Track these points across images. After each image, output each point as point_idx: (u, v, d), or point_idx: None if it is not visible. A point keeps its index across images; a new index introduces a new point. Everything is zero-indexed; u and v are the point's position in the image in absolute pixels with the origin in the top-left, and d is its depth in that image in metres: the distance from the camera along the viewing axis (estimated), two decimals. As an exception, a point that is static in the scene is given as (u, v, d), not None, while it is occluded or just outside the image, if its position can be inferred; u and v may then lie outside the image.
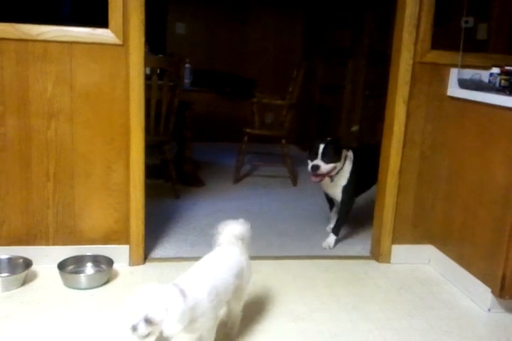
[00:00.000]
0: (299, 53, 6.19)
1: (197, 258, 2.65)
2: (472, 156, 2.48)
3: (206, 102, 5.25)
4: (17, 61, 2.30)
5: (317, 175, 2.82)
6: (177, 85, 3.66)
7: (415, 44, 2.57)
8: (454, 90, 2.61)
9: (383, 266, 2.77)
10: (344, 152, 2.91)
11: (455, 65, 2.59)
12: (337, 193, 2.99)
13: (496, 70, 2.43)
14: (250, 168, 4.77)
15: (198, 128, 4.34)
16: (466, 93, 2.51)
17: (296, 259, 2.78)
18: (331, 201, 3.22)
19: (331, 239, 2.99)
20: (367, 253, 2.91)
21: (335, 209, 3.20)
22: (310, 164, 2.82)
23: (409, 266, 2.76)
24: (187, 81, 4.39)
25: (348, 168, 2.93)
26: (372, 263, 2.80)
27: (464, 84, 2.55)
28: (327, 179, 2.92)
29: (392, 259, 2.79)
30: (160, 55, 4.26)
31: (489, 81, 2.46)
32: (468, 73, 2.58)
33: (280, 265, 2.67)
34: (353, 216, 3.55)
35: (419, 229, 2.78)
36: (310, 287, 2.46)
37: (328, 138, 2.88)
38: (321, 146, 2.80)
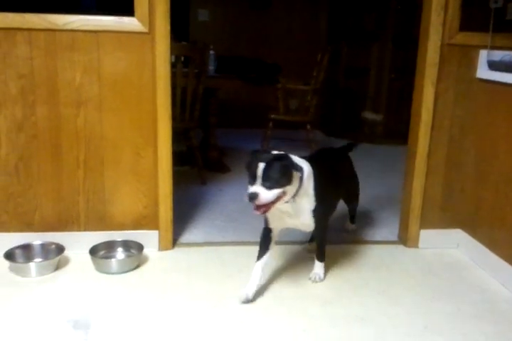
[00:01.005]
0: (323, 37, 6.13)
1: (224, 243, 2.72)
2: (503, 139, 2.43)
3: (230, 89, 5.24)
4: (46, 51, 2.34)
5: (259, 207, 1.95)
6: (202, 72, 3.67)
7: (443, 25, 2.52)
8: (483, 72, 2.56)
9: (411, 250, 2.76)
10: (295, 174, 1.99)
11: (484, 47, 2.54)
12: (305, 222, 2.17)
13: (526, 51, 2.38)
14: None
15: (222, 114, 4.35)
16: (496, 75, 2.46)
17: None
18: (268, 243, 2.22)
19: (320, 267, 2.38)
20: (394, 238, 2.90)
21: (265, 257, 2.20)
22: (247, 191, 1.94)
23: (438, 250, 2.75)
24: (211, 68, 4.40)
25: (310, 185, 2.10)
26: (400, 247, 2.79)
27: (493, 65, 2.50)
28: (285, 205, 2.06)
29: (420, 244, 2.78)
30: (184, 43, 4.27)
31: (520, 62, 2.41)
32: (498, 54, 2.52)
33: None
34: (379, 200, 3.54)
35: (448, 213, 2.76)
36: (337, 271, 2.47)
37: (273, 153, 2.01)
38: (261, 166, 1.91)
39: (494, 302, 2.23)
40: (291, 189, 1.99)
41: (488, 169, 2.55)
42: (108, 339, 1.87)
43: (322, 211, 2.20)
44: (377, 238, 2.92)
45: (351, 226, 3.02)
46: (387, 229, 3.03)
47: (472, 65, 2.60)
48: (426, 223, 2.76)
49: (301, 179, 2.01)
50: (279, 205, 2.02)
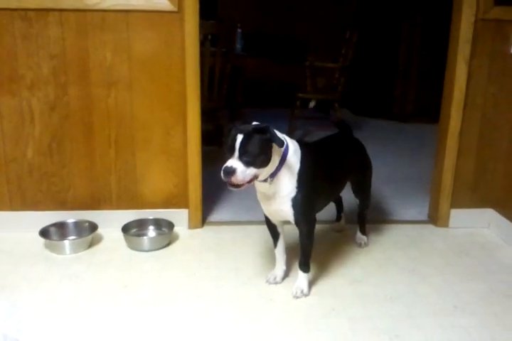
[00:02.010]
0: (352, 14, 6.02)
1: (252, 222, 2.74)
2: (537, 117, 2.38)
3: (258, 67, 5.22)
4: (76, 31, 2.36)
5: (232, 184, 1.76)
6: (229, 51, 3.65)
7: (477, 0, 2.45)
8: (518, 48, 2.49)
9: (441, 230, 2.74)
10: (276, 148, 1.80)
11: (521, 21, 2.47)
12: (283, 209, 1.93)
13: None
14: (303, 133, 4.75)
15: (249, 93, 4.34)
16: (532, 51, 2.39)
17: (350, 223, 2.79)
18: (274, 229, 2.13)
19: (303, 280, 2.06)
20: (424, 218, 2.88)
21: (281, 243, 2.15)
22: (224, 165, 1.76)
23: (469, 230, 2.72)
24: (238, 46, 4.38)
25: (293, 167, 1.88)
26: (430, 227, 2.78)
27: (529, 41, 2.43)
28: (263, 186, 1.89)
29: (451, 223, 2.75)
30: (211, 21, 4.24)
31: (558, 37, 2.33)
32: (535, 29, 2.45)
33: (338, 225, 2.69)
34: (409, 179, 3.50)
35: (479, 192, 2.72)
36: (366, 251, 2.47)
37: (253, 124, 1.80)
38: (240, 138, 1.73)
39: (526, 283, 2.21)
40: (267, 170, 1.80)
41: (522, 148, 2.50)
42: (139, 315, 1.91)
43: (305, 201, 1.92)
44: (407, 217, 2.90)
45: (363, 239, 2.52)
46: (417, 208, 3.00)
47: (507, 41, 2.53)
48: (456, 202, 2.73)
49: (283, 157, 1.84)
50: (256, 184, 1.88)
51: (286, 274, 2.19)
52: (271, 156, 1.79)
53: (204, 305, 1.98)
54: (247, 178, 1.74)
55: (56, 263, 2.30)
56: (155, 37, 2.40)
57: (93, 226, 2.50)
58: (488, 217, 2.74)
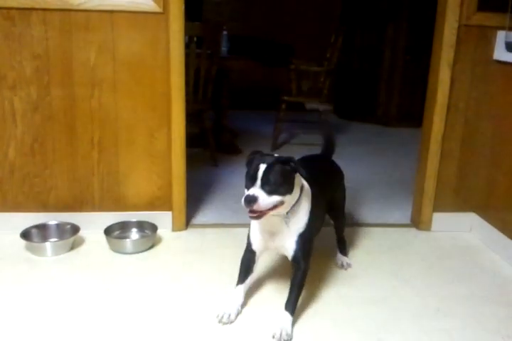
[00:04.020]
0: (336, 18, 6.05)
1: (236, 225, 2.73)
2: (519, 122, 2.41)
3: (243, 70, 5.20)
4: (60, 31, 2.34)
5: (254, 212, 1.72)
6: (215, 53, 3.65)
7: (461, 6, 2.48)
8: (500, 54, 2.52)
9: (424, 233, 2.76)
10: (299, 179, 1.83)
11: (502, 27, 2.49)
12: (285, 247, 1.90)
13: (546, 32, 2.33)
14: (288, 136, 4.76)
15: (234, 96, 4.34)
16: (514, 56, 2.43)
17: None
18: (249, 263, 1.98)
19: (288, 322, 1.83)
20: (407, 221, 2.90)
21: (248, 281, 2.00)
22: (245, 193, 1.72)
23: (451, 233, 2.74)
24: (224, 48, 4.37)
25: (305, 203, 1.88)
26: (413, 230, 2.80)
27: (511, 47, 2.46)
28: (276, 222, 1.84)
29: (433, 227, 2.77)
30: (197, 23, 4.24)
31: (539, 44, 2.37)
32: (517, 36, 2.48)
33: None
34: (392, 183, 3.53)
35: (461, 196, 2.75)
36: (350, 254, 2.47)
37: (275, 155, 1.81)
38: (262, 167, 1.72)
39: (507, 286, 2.23)
40: (289, 200, 1.79)
41: (503, 152, 2.53)
42: (121, 318, 1.90)
43: (309, 237, 1.91)
44: (390, 221, 2.92)
45: (345, 260, 2.37)
46: (400, 212, 3.02)
47: (489, 47, 2.56)
48: (439, 206, 2.75)
49: (301, 188, 1.85)
50: (263, 222, 1.84)
51: (270, 277, 2.19)
52: (293, 186, 1.78)
53: (188, 307, 1.97)
54: (270, 205, 1.72)
55: (37, 266, 2.27)
56: (140, 38, 2.39)
57: (75, 229, 2.48)
58: (470, 220, 2.76)
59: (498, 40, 2.53)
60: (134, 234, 2.57)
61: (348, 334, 1.84)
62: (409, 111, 5.37)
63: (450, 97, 2.59)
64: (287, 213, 1.82)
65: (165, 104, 2.48)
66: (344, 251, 2.41)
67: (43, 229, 2.48)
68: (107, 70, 2.40)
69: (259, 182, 1.71)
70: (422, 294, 2.14)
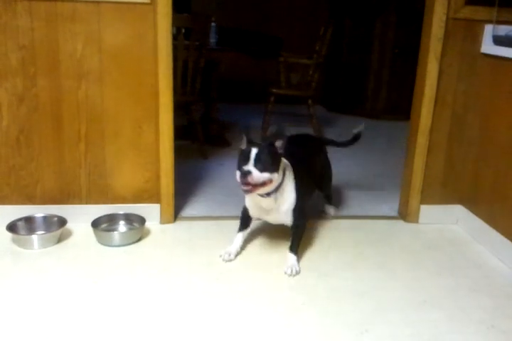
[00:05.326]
0: (326, 11, 6.04)
1: (224, 217, 2.73)
2: (505, 115, 2.42)
3: (232, 62, 5.18)
4: (46, 22, 2.30)
5: (247, 184, 2.05)
6: (203, 44, 3.63)
7: (449, -1, 2.49)
8: (488, 47, 2.53)
9: (411, 225, 2.78)
10: (283, 162, 2.19)
11: (490, 21, 2.50)
12: (282, 219, 2.29)
13: (532, 26, 2.35)
14: (277, 129, 4.75)
15: (223, 88, 4.32)
16: (501, 50, 2.43)
17: (322, 219, 2.81)
18: (247, 221, 2.41)
19: (294, 261, 2.25)
20: (394, 214, 2.92)
21: (246, 231, 2.42)
22: (238, 172, 2.08)
23: (438, 226, 2.77)
24: (212, 40, 4.33)
25: (290, 184, 2.23)
26: (400, 223, 2.81)
27: (498, 40, 2.47)
28: (266, 201, 2.20)
29: (420, 219, 2.79)
30: (185, 14, 4.21)
31: (526, 37, 2.38)
32: (504, 29, 2.49)
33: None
34: (380, 176, 3.54)
35: (448, 189, 2.77)
36: (337, 246, 2.49)
37: (265, 142, 2.21)
38: (254, 151, 2.08)
39: (492, 277, 2.26)
40: (276, 179, 2.13)
41: (490, 145, 2.55)
42: (109, 311, 1.89)
43: (301, 208, 2.28)
44: (378, 213, 2.93)
45: (331, 210, 2.84)
46: (387, 204, 3.04)
47: (477, 40, 2.57)
48: (426, 198, 2.77)
49: (284, 170, 2.19)
50: (258, 200, 2.21)
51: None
52: (278, 167, 2.14)
53: (176, 300, 1.97)
54: (260, 180, 2.06)
55: (24, 258, 2.25)
56: (127, 29, 2.36)
57: (62, 221, 2.46)
58: (456, 213, 2.78)
59: (485, 33, 2.54)
60: (122, 226, 2.56)
61: (335, 326, 1.85)
62: (397, 104, 5.39)
63: (438, 90, 2.60)
64: (276, 193, 2.18)
65: (153, 96, 2.46)
66: (330, 202, 2.86)
67: (29, 222, 2.47)
68: (94, 62, 2.38)
69: (252, 161, 2.06)
70: (408, 286, 2.15)
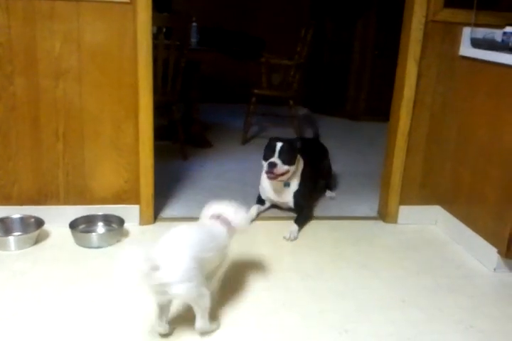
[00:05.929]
0: (307, 12, 6.05)
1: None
2: (482, 116, 2.46)
3: (213, 62, 5.16)
4: (24, 20, 2.27)
5: (272, 173, 2.62)
6: (184, 44, 3.61)
7: (428, 1, 2.51)
8: (466, 50, 2.56)
9: (390, 226, 2.80)
10: (299, 156, 2.78)
11: (468, 24, 2.54)
12: (289, 199, 2.79)
13: (509, 29, 2.37)
14: (258, 129, 4.75)
15: (204, 88, 4.30)
16: (479, 53, 2.46)
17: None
18: (262, 203, 2.91)
19: (294, 229, 2.62)
20: (374, 214, 2.94)
21: (260, 208, 2.87)
22: (265, 163, 2.65)
23: (416, 226, 2.79)
24: (193, 40, 4.31)
25: (298, 173, 2.78)
26: (380, 223, 2.83)
27: (476, 43, 2.51)
28: (279, 186, 2.76)
29: (399, 220, 2.82)
30: (165, 13, 4.18)
31: (502, 40, 2.41)
32: (482, 32, 2.52)
33: (288, 225, 2.70)
34: (360, 177, 3.56)
35: (427, 189, 2.79)
36: (318, 246, 2.50)
37: (286, 138, 2.75)
38: (279, 145, 2.64)
39: (470, 277, 2.28)
40: (292, 170, 2.70)
41: (467, 146, 2.58)
42: (86, 313, 1.87)
43: (303, 193, 2.77)
44: (357, 214, 2.95)
45: (331, 194, 3.22)
46: (366, 205, 3.06)
47: (455, 43, 2.60)
48: (405, 199, 2.79)
49: (297, 162, 2.73)
50: (273, 184, 2.75)
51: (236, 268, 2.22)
52: (295, 161, 2.71)
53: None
54: (282, 171, 2.64)
55: (0, 260, 2.21)
56: (106, 28, 2.34)
57: (39, 222, 2.43)
58: (435, 213, 2.81)
59: (463, 36, 2.57)
60: (100, 227, 2.54)
61: (316, 327, 1.85)
62: (377, 106, 5.41)
63: (417, 92, 2.63)
64: (285, 182, 2.73)
65: (132, 96, 2.44)
66: (330, 187, 3.27)
67: (6, 223, 2.43)
68: (72, 60, 2.35)
69: (277, 154, 2.62)
70: (388, 286, 2.17)
